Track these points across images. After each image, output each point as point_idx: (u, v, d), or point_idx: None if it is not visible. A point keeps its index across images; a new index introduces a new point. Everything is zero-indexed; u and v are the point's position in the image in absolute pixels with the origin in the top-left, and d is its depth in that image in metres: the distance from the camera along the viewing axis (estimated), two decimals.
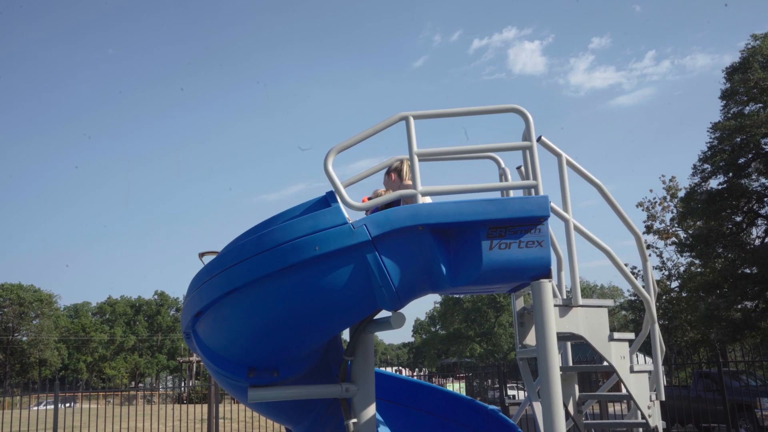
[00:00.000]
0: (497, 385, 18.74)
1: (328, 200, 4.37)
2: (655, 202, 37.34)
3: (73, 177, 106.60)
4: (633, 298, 38.33)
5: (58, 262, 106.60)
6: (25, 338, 70.38)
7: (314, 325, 4.29)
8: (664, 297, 34.66)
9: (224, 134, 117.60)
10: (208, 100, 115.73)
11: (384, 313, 4.60)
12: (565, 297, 4.67)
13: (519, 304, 4.99)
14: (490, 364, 29.62)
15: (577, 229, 4.79)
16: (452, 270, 4.18)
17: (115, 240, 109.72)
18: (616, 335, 4.63)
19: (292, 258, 4.08)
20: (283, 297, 4.18)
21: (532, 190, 4.45)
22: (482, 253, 4.10)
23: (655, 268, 35.64)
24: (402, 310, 4.46)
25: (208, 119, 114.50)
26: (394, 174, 5.31)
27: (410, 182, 4.92)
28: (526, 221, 4.15)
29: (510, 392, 21.76)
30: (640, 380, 4.74)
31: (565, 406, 4.94)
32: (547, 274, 4.17)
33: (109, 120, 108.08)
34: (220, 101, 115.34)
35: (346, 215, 4.20)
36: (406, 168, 5.28)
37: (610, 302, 4.62)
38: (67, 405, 28.63)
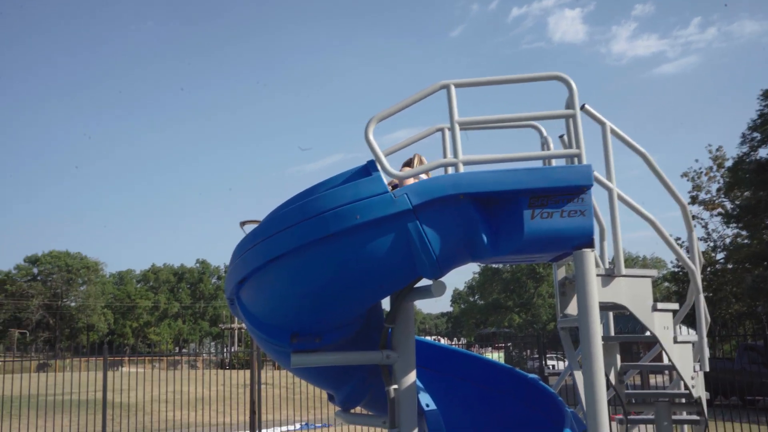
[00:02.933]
0: (536, 356, 18.72)
1: (369, 169, 4.38)
2: (701, 173, 36.40)
3: (118, 148, 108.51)
4: (676, 269, 37.66)
5: (104, 231, 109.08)
6: (73, 304, 72.63)
7: (355, 292, 4.34)
8: (708, 269, 33.98)
9: (264, 104, 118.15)
10: (248, 69, 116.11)
11: (424, 282, 4.63)
12: (607, 267, 4.63)
13: (561, 273, 4.96)
14: (530, 334, 29.59)
15: (620, 198, 4.72)
16: (493, 239, 4.16)
17: (158, 209, 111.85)
18: (660, 305, 4.57)
19: (333, 226, 4.11)
20: (325, 264, 4.22)
21: (575, 159, 4.39)
22: (524, 222, 4.08)
23: (700, 239, 34.89)
24: (442, 279, 4.47)
25: (250, 89, 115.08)
26: (406, 167, 5.31)
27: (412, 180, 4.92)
28: (568, 190, 4.10)
29: (549, 362, 21.72)
30: (683, 351, 4.69)
31: (607, 375, 4.92)
32: (590, 244, 4.13)
33: (154, 88, 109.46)
34: (259, 71, 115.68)
35: (387, 184, 4.21)
36: (416, 162, 5.30)
37: (653, 272, 4.56)
38: (115, 369, 29.55)
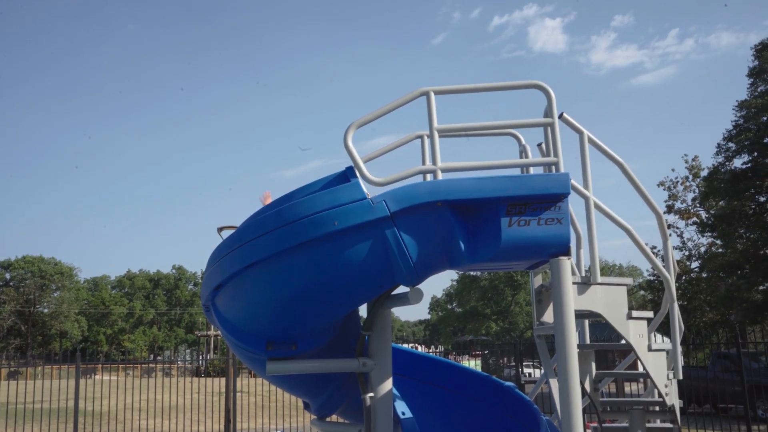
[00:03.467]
0: (513, 363, 18.78)
1: (348, 175, 4.37)
2: (677, 182, 36.91)
3: (92, 150, 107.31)
4: (652, 278, 38.09)
5: (78, 236, 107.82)
6: (46, 310, 71.55)
7: (332, 299, 4.31)
8: (683, 277, 34.40)
9: (244, 110, 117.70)
10: (228, 75, 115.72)
11: (402, 289, 4.62)
12: (583, 275, 4.65)
13: (537, 281, 4.98)
14: (507, 342, 29.71)
15: (597, 206, 4.75)
16: (471, 246, 4.17)
17: (134, 214, 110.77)
18: (635, 313, 4.61)
19: (311, 232, 4.09)
20: (302, 271, 4.20)
21: (553, 168, 4.42)
22: (501, 229, 4.09)
23: (675, 248, 35.34)
24: (419, 287, 4.47)
25: (229, 94, 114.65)
26: None
27: None
28: (546, 198, 4.12)
29: (526, 370, 21.81)
30: (657, 359, 4.72)
31: (582, 383, 4.94)
32: (566, 252, 4.15)
33: (130, 93, 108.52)
34: (240, 76, 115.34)
35: (366, 191, 4.20)
36: None
37: (629, 280, 4.59)
38: (88, 377, 29.13)
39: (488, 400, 5.63)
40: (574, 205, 4.77)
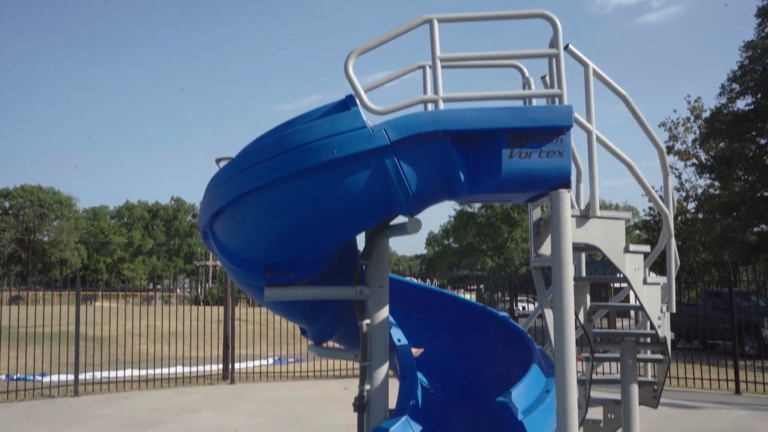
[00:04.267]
0: (507, 298, 19.05)
1: (348, 104, 4.31)
2: (678, 123, 36.68)
3: (90, 81, 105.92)
4: (648, 218, 38.31)
5: (78, 165, 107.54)
6: (45, 239, 71.98)
7: (330, 227, 4.32)
8: (679, 218, 34.57)
9: (244, 42, 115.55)
10: (228, 5, 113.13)
11: (400, 219, 4.62)
12: (582, 209, 4.65)
13: (536, 214, 4.98)
14: (502, 277, 30.08)
15: (599, 140, 4.71)
16: (471, 177, 4.14)
17: (134, 145, 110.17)
18: (632, 247, 4.63)
19: (310, 160, 4.06)
20: (300, 199, 4.19)
21: (556, 100, 4.35)
22: (502, 161, 4.06)
23: (673, 189, 35.40)
24: (418, 217, 4.47)
25: (228, 25, 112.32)
26: None
27: None
28: (548, 130, 4.08)
29: (520, 305, 22.15)
30: (652, 292, 4.77)
31: (576, 315, 5.01)
32: (567, 185, 4.13)
33: (132, 28, 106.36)
34: (239, 7, 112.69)
35: (366, 119, 4.15)
36: None
37: (627, 215, 4.60)
38: (88, 303, 29.50)
39: (482, 329, 5.72)
40: (575, 140, 4.73)
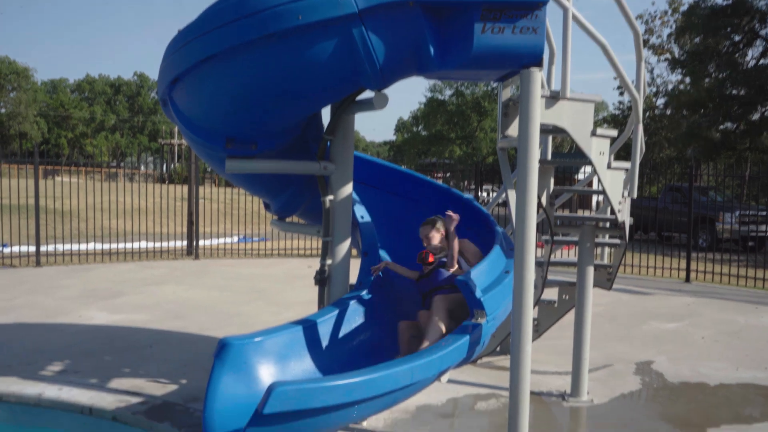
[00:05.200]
0: (473, 186, 19.21)
1: None
2: (656, 16, 36.17)
3: None
4: (617, 112, 38.43)
5: (34, 35, 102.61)
6: (3, 110, 69.68)
7: (293, 99, 4.16)
8: (647, 113, 34.72)
9: None
10: None
11: (367, 94, 4.49)
12: (552, 90, 4.55)
13: (506, 94, 4.86)
14: (469, 165, 30.21)
15: (575, 19, 4.55)
16: (441, 51, 3.99)
17: (95, 15, 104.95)
18: (599, 131, 4.59)
19: (273, 26, 3.84)
20: (262, 67, 4.00)
21: None
22: (474, 35, 3.89)
23: (645, 79, 35.29)
24: (384, 92, 4.34)
25: None
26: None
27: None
28: (523, 5, 3.90)
29: (485, 193, 22.41)
30: (615, 177, 4.79)
31: (539, 197, 5.02)
32: (539, 63, 4.00)
33: None
34: None
35: None
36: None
37: (597, 97, 4.51)
38: (50, 178, 28.99)
39: (447, 209, 5.73)
40: (550, 20, 4.56)
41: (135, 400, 5.06)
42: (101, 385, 5.40)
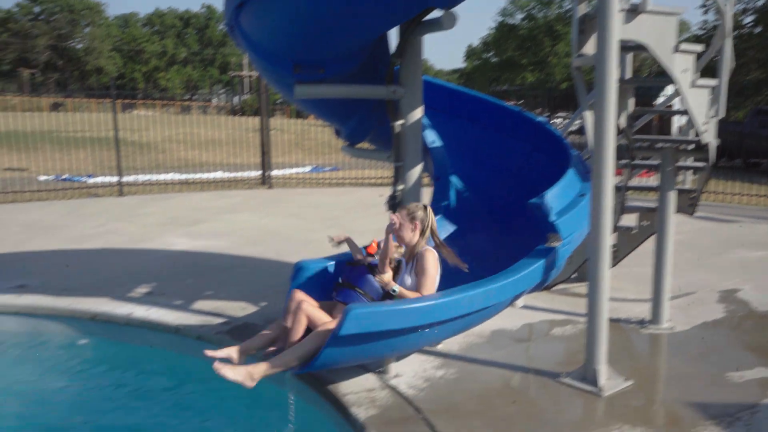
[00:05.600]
0: (547, 114, 18.71)
1: None
2: None
3: None
4: (701, 31, 36.28)
5: None
6: (79, 46, 71.54)
7: (360, 20, 4.07)
8: (735, 32, 32.63)
9: None
10: None
11: (435, 14, 4.36)
12: (632, 2, 4.28)
13: (581, 9, 4.62)
14: (541, 92, 29.33)
15: None
16: None
17: None
18: (683, 46, 4.32)
19: None
20: None
21: None
22: None
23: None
24: (453, 10, 4.20)
25: None
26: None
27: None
28: None
29: (557, 120, 21.81)
30: (700, 95, 4.53)
31: (618, 119, 4.83)
32: None
33: None
34: None
35: None
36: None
37: (680, 10, 4.23)
38: (127, 111, 29.86)
39: (518, 134, 5.60)
40: None
41: (217, 320, 5.29)
42: (186, 307, 5.66)
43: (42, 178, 15.11)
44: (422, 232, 4.02)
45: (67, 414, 4.34)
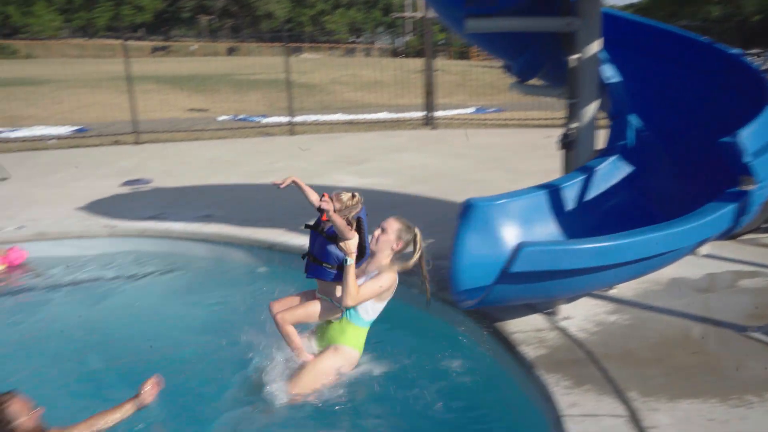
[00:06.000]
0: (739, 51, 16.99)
1: None
2: None
3: None
4: None
5: None
6: None
7: None
8: None
9: None
10: None
11: None
12: None
13: None
14: (730, 25, 26.54)
15: None
16: None
17: None
18: None
19: None
20: None
21: None
22: None
23: None
24: None
25: None
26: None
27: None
28: None
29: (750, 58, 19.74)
30: None
31: None
32: None
33: None
34: None
35: None
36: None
37: None
38: (295, 54, 30.99)
39: (707, 68, 5.12)
40: None
41: None
42: None
43: (221, 118, 16.16)
44: (396, 253, 3.73)
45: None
